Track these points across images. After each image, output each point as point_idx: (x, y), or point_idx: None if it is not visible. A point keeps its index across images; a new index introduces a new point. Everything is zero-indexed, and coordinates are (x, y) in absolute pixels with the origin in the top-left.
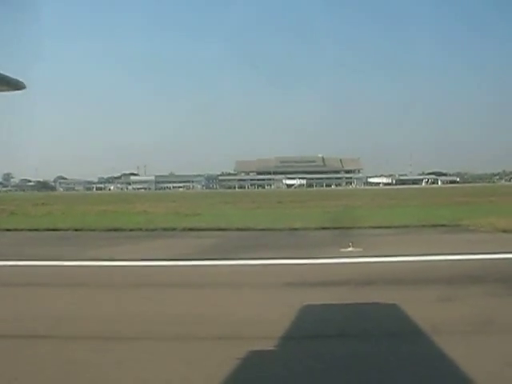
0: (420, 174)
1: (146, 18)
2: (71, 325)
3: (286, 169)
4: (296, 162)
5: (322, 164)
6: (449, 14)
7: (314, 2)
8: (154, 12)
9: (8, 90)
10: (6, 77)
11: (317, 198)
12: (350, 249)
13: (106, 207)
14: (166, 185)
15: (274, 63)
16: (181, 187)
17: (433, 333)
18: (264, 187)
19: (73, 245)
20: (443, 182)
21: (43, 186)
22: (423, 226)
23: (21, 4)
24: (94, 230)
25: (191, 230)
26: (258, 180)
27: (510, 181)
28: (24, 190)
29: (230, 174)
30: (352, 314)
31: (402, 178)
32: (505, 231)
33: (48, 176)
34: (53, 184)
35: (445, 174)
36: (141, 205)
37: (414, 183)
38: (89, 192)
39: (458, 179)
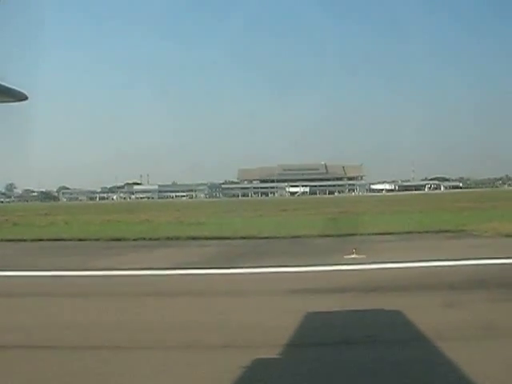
0: (423, 180)
1: (147, 26)
2: (75, 334)
3: (289, 176)
4: (299, 169)
5: (324, 171)
6: (457, 20)
7: (319, 8)
8: (156, 19)
9: (10, 101)
10: (8, 88)
11: (320, 205)
12: (353, 255)
13: (110, 217)
14: (169, 194)
15: (276, 70)
16: (184, 196)
17: (437, 339)
18: (267, 195)
19: (76, 254)
20: (446, 188)
21: (46, 196)
22: (427, 231)
23: (23, 13)
24: (97, 240)
25: (195, 238)
26: (261, 188)
27: None
28: (27, 201)
29: (232, 183)
30: (356, 320)
31: (404, 184)
32: (508, 236)
33: (51, 186)
34: (56, 194)
35: (447, 180)
36: (144, 214)
37: (416, 189)
38: (92, 202)
39: (460, 184)
